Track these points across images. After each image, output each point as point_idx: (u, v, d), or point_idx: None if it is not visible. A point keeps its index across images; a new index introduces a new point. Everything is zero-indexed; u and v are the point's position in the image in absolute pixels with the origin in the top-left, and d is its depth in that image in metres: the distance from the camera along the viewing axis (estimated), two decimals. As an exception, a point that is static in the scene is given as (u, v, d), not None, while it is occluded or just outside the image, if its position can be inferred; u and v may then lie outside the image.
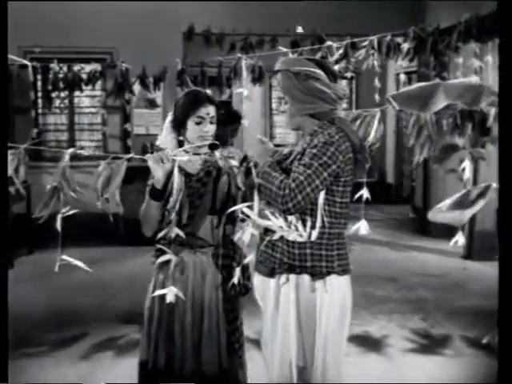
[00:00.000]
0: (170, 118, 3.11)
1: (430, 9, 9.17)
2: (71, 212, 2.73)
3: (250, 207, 2.74)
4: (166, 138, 3.09)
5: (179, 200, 2.73)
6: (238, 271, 2.83)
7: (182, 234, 2.75)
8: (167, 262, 2.89)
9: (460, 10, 7.49)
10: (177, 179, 2.71)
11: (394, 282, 6.62)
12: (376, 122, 2.96)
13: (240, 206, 2.73)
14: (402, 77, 10.73)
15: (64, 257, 2.73)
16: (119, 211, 2.86)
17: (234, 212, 2.85)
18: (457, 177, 7.74)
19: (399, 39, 6.72)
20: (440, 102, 2.74)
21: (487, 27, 6.45)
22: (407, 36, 6.57)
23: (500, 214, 2.36)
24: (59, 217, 2.72)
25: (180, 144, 3.07)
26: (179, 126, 3.05)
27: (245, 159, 2.89)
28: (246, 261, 2.91)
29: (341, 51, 6.38)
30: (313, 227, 2.71)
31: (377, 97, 6.40)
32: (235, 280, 2.83)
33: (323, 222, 2.72)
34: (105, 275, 7.04)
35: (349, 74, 6.80)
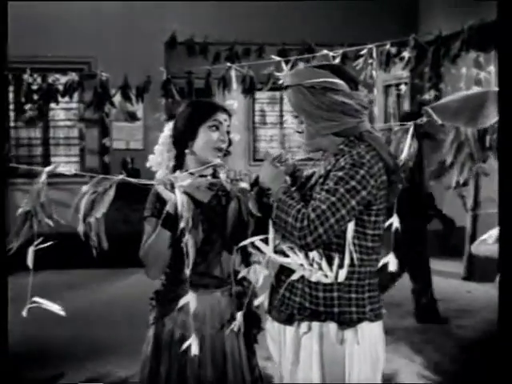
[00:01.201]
0: (168, 132, 2.63)
1: (423, 17, 8.80)
2: (46, 244, 2.26)
3: (265, 240, 2.29)
4: (161, 157, 2.61)
5: (191, 234, 2.28)
6: (239, 317, 2.49)
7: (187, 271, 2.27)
8: (173, 306, 2.44)
9: (455, 18, 7.16)
10: (185, 211, 2.26)
11: (397, 307, 6.16)
12: (409, 137, 2.51)
13: (252, 240, 2.27)
14: (403, 88, 10.33)
15: (35, 299, 2.26)
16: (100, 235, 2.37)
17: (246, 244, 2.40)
18: (457, 193, 7.39)
19: (393, 48, 6.32)
20: (493, 116, 2.30)
21: (492, 35, 6.06)
22: (407, 44, 6.16)
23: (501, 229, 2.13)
24: (31, 250, 2.25)
25: (179, 165, 2.60)
26: (185, 138, 2.58)
27: (256, 182, 2.44)
28: (256, 303, 2.44)
29: (337, 60, 5.94)
30: (340, 266, 2.25)
31: (376, 110, 5.97)
32: (235, 327, 2.49)
33: (352, 259, 2.26)
34: (82, 301, 6.54)
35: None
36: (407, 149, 2.51)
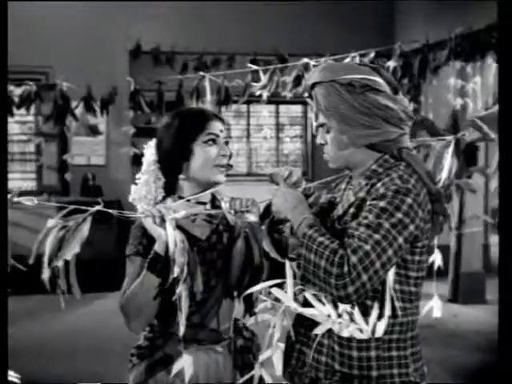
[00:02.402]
0: (151, 156, 2.13)
1: (399, 27, 8.47)
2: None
3: (281, 285, 1.83)
4: (146, 188, 2.10)
5: (186, 285, 1.81)
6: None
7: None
8: (159, 367, 1.96)
9: (432, 27, 6.85)
10: (179, 253, 1.78)
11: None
12: (449, 154, 2.07)
13: (265, 285, 1.81)
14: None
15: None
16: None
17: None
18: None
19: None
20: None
21: (482, 43, 5.73)
22: (393, 53, 5.78)
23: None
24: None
25: (170, 194, 2.12)
26: (177, 160, 2.08)
27: (267, 213, 1.97)
28: (262, 357, 1.96)
29: (319, 69, 5.53)
30: (379, 317, 1.79)
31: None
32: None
33: (394, 308, 1.80)
34: (41, 331, 5.97)
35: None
36: (447, 169, 2.06)
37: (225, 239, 2.11)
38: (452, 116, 6.99)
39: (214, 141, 2.08)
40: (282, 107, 11.72)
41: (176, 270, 1.81)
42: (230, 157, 2.10)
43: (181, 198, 2.08)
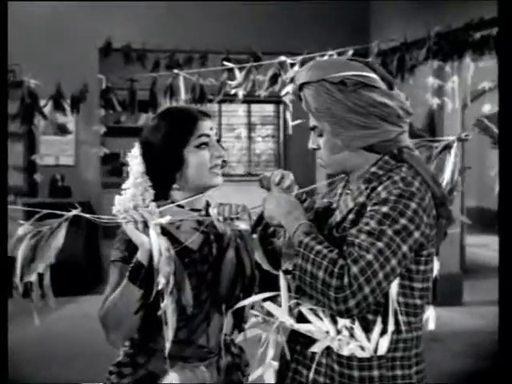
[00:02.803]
0: (138, 167, 1.93)
1: (375, 26, 8.37)
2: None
3: (273, 299, 1.69)
4: (133, 201, 1.90)
5: (173, 298, 1.65)
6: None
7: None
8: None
9: (408, 26, 6.76)
10: (164, 263, 1.62)
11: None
12: (452, 155, 1.94)
13: (257, 298, 1.66)
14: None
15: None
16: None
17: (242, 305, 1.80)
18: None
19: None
20: None
21: (461, 42, 5.65)
22: (370, 52, 5.67)
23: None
24: None
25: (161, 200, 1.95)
26: (169, 170, 1.91)
27: (261, 220, 1.82)
28: (253, 376, 1.81)
29: (296, 68, 5.39)
30: (382, 333, 1.65)
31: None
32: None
33: (398, 323, 1.66)
34: (10, 337, 5.72)
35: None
36: (450, 171, 1.93)
37: (215, 249, 1.95)
38: (428, 115, 6.92)
39: (205, 143, 1.92)
40: (255, 106, 11.60)
41: (161, 281, 1.65)
42: (225, 161, 1.95)
43: (172, 202, 1.91)
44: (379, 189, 1.66)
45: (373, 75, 1.73)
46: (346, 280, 1.52)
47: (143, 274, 1.72)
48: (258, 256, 1.79)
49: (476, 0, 5.85)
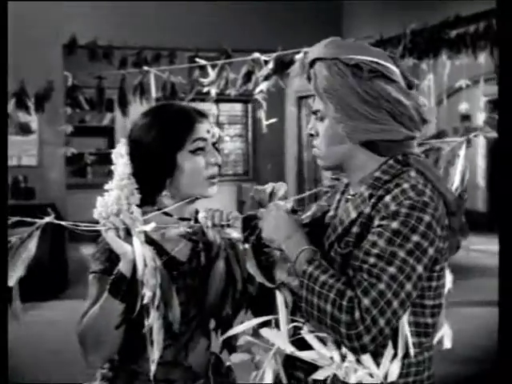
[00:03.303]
0: (125, 168, 1.71)
1: (347, 23, 8.26)
2: None
3: (269, 323, 1.51)
4: (117, 205, 1.69)
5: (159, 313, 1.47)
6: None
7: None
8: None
9: (381, 24, 6.65)
10: (150, 274, 1.45)
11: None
12: (461, 158, 1.78)
13: (251, 324, 1.48)
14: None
15: None
16: None
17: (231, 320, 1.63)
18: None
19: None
20: None
21: (437, 40, 5.54)
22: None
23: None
24: None
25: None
26: (160, 175, 1.72)
27: (250, 227, 1.64)
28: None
29: (271, 65, 5.21)
30: (392, 358, 1.48)
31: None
32: None
33: (407, 345, 1.50)
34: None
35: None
36: (460, 175, 1.77)
37: (204, 260, 1.76)
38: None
39: (201, 148, 1.72)
40: (223, 106, 11.40)
41: (147, 295, 1.48)
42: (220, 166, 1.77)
43: (159, 209, 1.73)
44: (387, 199, 1.48)
45: (393, 67, 1.57)
46: (357, 314, 1.35)
47: (126, 287, 1.55)
48: (251, 267, 1.61)
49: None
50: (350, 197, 1.63)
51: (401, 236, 1.41)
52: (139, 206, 1.67)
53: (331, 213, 1.69)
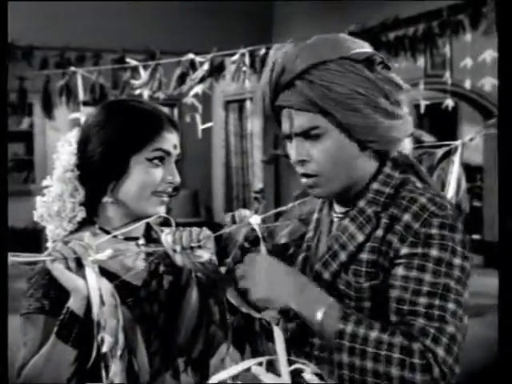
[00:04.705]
0: (70, 157, 1.46)
1: (278, 24, 8.10)
2: None
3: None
4: (58, 204, 1.45)
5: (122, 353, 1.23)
6: None
7: None
8: None
9: (317, 25, 6.52)
10: (109, 313, 1.18)
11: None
12: (456, 163, 1.57)
13: (245, 366, 1.23)
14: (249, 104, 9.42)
15: None
16: None
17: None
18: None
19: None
20: None
21: (376, 41, 5.41)
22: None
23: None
24: None
25: (90, 218, 1.49)
26: (104, 175, 1.46)
27: (230, 248, 1.40)
28: None
29: (206, 67, 4.97)
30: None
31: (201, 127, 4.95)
32: None
33: None
34: None
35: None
36: (455, 182, 1.57)
37: (167, 284, 1.51)
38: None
39: (162, 159, 1.47)
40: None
41: (106, 341, 1.21)
42: (177, 189, 1.51)
43: (102, 229, 1.46)
44: (406, 218, 1.26)
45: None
46: (436, 371, 1.13)
47: (78, 329, 1.28)
48: (231, 296, 1.35)
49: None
50: (340, 215, 1.40)
51: (444, 263, 1.22)
52: (79, 225, 1.43)
53: (310, 233, 1.46)
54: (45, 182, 1.48)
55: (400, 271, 1.23)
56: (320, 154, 1.32)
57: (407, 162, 1.39)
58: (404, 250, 1.24)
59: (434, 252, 1.22)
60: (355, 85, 1.28)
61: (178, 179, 1.49)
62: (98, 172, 1.45)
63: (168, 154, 1.48)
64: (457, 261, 1.22)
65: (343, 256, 1.32)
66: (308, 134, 1.32)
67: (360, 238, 1.30)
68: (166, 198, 1.49)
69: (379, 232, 1.29)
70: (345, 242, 1.32)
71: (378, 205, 1.32)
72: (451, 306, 1.19)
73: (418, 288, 1.20)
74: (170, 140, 1.48)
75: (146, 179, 1.45)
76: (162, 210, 1.47)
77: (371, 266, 1.28)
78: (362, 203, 1.33)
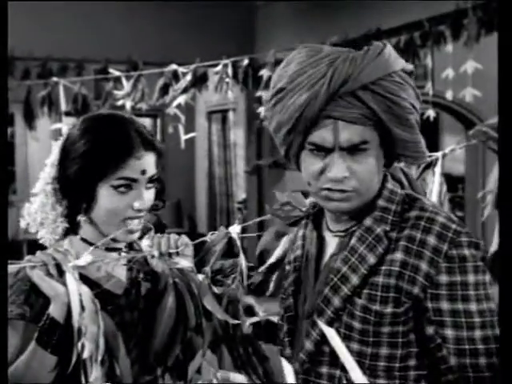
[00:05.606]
0: (52, 168, 1.48)
1: (260, 38, 8.12)
2: None
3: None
4: (42, 214, 1.46)
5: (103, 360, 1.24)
6: None
7: None
8: None
9: (299, 36, 6.54)
10: (90, 319, 1.19)
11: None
12: (437, 175, 1.57)
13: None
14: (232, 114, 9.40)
15: None
16: None
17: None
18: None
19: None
20: None
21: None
22: (267, 61, 5.33)
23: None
24: None
25: (73, 228, 1.50)
26: (76, 197, 1.46)
27: (208, 255, 1.41)
28: None
29: (189, 77, 4.97)
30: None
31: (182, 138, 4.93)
32: None
33: None
34: None
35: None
36: (436, 194, 1.57)
37: (145, 291, 1.52)
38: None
39: (128, 186, 1.46)
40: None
41: (87, 348, 1.21)
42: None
43: (84, 240, 1.46)
44: (432, 242, 1.22)
45: None
46: None
47: (58, 336, 1.29)
48: (208, 302, 1.35)
49: (374, 10, 5.68)
50: (339, 234, 1.34)
51: (481, 286, 1.21)
52: (64, 235, 1.44)
53: (298, 252, 1.41)
54: (34, 190, 1.48)
55: (446, 305, 1.20)
56: (362, 170, 1.25)
57: (399, 175, 1.38)
58: (443, 279, 1.21)
59: (471, 278, 1.20)
60: (412, 98, 1.26)
61: (146, 205, 1.47)
62: (72, 190, 1.45)
63: (134, 181, 1.46)
64: (487, 277, 1.22)
65: (355, 279, 1.25)
66: (355, 149, 1.24)
67: (371, 259, 1.25)
68: (134, 226, 1.47)
69: (398, 255, 1.23)
70: (354, 263, 1.26)
71: (387, 223, 1.27)
72: (489, 333, 1.19)
73: (471, 321, 1.19)
74: (139, 166, 1.46)
75: (110, 207, 1.45)
76: (131, 238, 1.48)
77: (388, 290, 1.23)
78: (368, 221, 1.28)
